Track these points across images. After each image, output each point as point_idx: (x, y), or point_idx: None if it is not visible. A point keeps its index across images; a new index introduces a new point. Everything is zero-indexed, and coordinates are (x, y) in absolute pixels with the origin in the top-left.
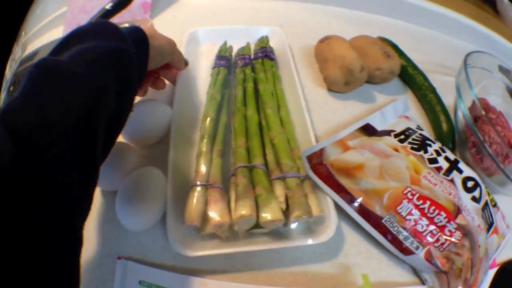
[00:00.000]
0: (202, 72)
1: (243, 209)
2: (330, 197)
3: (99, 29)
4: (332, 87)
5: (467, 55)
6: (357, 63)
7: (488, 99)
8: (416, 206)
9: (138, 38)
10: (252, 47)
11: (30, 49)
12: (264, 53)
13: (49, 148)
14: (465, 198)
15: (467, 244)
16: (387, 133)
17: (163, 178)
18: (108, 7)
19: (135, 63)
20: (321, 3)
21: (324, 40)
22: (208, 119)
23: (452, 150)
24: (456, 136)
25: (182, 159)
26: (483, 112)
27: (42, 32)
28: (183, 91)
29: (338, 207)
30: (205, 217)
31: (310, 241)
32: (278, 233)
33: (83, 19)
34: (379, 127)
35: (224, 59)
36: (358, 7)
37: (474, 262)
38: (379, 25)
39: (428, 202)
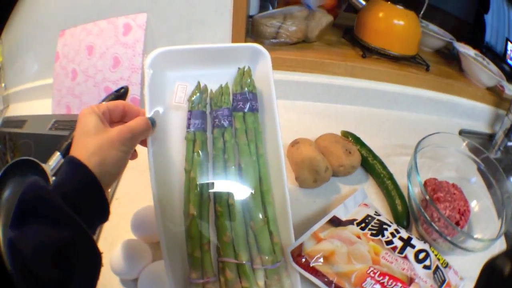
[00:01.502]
0: (174, 127)
1: None
2: (311, 280)
3: (45, 211)
4: (302, 185)
5: (418, 142)
6: (322, 164)
7: (442, 173)
8: (378, 281)
9: (89, 191)
10: (231, 86)
11: (14, 109)
12: (245, 100)
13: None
14: (418, 268)
15: None
16: (351, 222)
17: None
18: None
19: (86, 244)
20: (291, 99)
21: (294, 145)
22: (191, 218)
23: (407, 226)
24: (411, 214)
25: (176, 253)
26: (427, 197)
27: (26, 97)
28: (158, 168)
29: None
30: None
31: None
32: None
33: (72, 102)
34: (343, 217)
35: (198, 117)
36: (323, 100)
37: None
38: (343, 115)
39: (387, 277)
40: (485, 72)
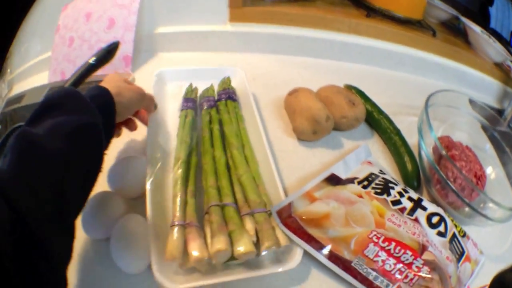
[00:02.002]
0: (170, 113)
1: (219, 244)
2: (301, 247)
3: (70, 102)
4: (301, 137)
5: (429, 96)
6: (323, 113)
7: (454, 135)
8: (382, 248)
9: (104, 102)
10: (216, 88)
11: (16, 89)
12: (227, 94)
13: (34, 211)
14: (431, 234)
15: (436, 278)
16: (351, 180)
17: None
18: (91, 61)
19: (101, 133)
20: (291, 54)
21: (293, 93)
22: (180, 162)
23: (418, 188)
24: (422, 174)
25: (160, 202)
26: (444, 152)
27: (28, 74)
28: (154, 135)
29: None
30: (185, 254)
31: (280, 269)
32: (253, 263)
33: (67, 68)
34: (343, 175)
35: (190, 101)
36: (325, 56)
37: None
38: (346, 72)
39: (393, 243)
40: (492, 46)
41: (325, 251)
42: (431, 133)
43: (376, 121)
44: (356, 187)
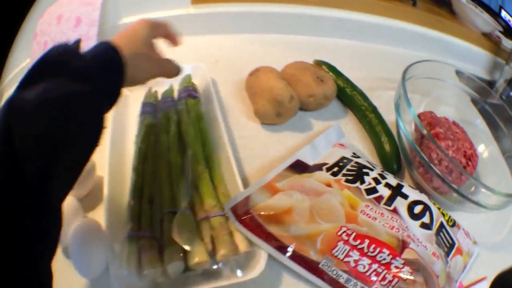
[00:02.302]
0: (131, 121)
1: (171, 255)
2: (262, 248)
3: (67, 64)
4: (264, 121)
5: (407, 68)
6: (286, 93)
7: (439, 110)
8: (354, 247)
9: (110, 67)
10: (176, 88)
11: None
12: (187, 92)
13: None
14: (413, 227)
15: (420, 280)
16: (319, 167)
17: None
18: None
19: (96, 103)
20: (257, 32)
21: (253, 73)
22: (135, 170)
23: (398, 172)
24: (402, 156)
25: (117, 209)
26: (425, 131)
27: (15, 82)
28: (114, 143)
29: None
30: (139, 265)
31: (241, 278)
32: (214, 272)
33: None
34: (310, 161)
35: (149, 106)
36: (295, 32)
37: None
38: (318, 48)
39: (367, 241)
40: (480, 16)
41: (288, 251)
42: (409, 109)
43: (349, 98)
44: (324, 175)
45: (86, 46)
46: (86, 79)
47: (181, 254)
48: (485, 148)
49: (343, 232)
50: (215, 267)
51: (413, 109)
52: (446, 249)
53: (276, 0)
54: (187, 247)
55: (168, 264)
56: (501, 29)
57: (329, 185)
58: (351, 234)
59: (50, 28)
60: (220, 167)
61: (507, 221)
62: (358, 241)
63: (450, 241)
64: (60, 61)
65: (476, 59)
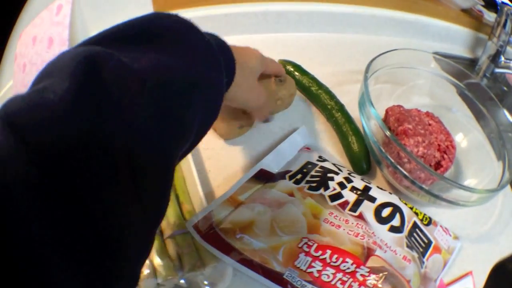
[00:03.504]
0: None
1: (142, 272)
2: (227, 262)
3: (187, 37)
4: (228, 137)
5: (369, 63)
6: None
7: (412, 100)
8: (316, 258)
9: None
10: None
11: None
12: None
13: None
14: (381, 232)
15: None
16: (283, 175)
17: None
18: None
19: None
20: (221, 34)
21: None
22: None
23: (368, 171)
24: (372, 155)
25: None
26: (388, 132)
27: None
28: None
29: None
30: None
31: None
32: (185, 286)
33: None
34: (275, 169)
35: None
36: (259, 31)
37: None
38: (284, 45)
39: (329, 251)
40: None
41: (252, 264)
42: (370, 110)
43: (315, 97)
44: (287, 184)
45: None
46: (218, 69)
47: (150, 271)
48: (466, 135)
49: (304, 244)
50: (182, 281)
51: (374, 109)
52: (421, 249)
53: (238, 0)
54: (156, 264)
55: (140, 281)
56: (482, 2)
57: (291, 195)
58: (312, 245)
59: (27, 50)
60: (185, 184)
61: (493, 211)
62: (320, 252)
63: (426, 241)
64: (177, 33)
65: (456, 37)
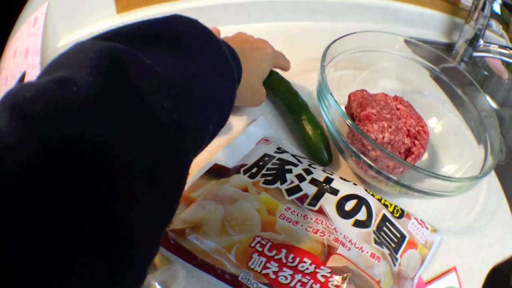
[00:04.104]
0: None
1: None
2: (179, 264)
3: (203, 44)
4: None
5: (328, 46)
6: None
7: (378, 84)
8: (271, 258)
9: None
10: None
11: None
12: None
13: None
14: (344, 227)
15: None
16: (237, 170)
17: None
18: None
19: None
20: None
21: None
22: None
23: (330, 162)
24: (333, 144)
25: None
26: (349, 121)
27: None
28: None
29: None
30: None
31: None
32: None
33: None
34: (231, 163)
35: None
36: (222, 23)
37: None
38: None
39: (284, 251)
40: None
41: (204, 266)
42: (327, 96)
43: (274, 86)
44: (241, 178)
45: (32, 75)
46: (231, 76)
47: None
48: (441, 119)
49: (257, 243)
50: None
51: (331, 96)
52: (393, 245)
53: None
54: None
55: None
56: None
57: (245, 190)
58: (265, 244)
59: (9, 63)
60: None
61: (476, 200)
62: (274, 252)
63: (399, 235)
64: (193, 39)
65: (430, 23)
